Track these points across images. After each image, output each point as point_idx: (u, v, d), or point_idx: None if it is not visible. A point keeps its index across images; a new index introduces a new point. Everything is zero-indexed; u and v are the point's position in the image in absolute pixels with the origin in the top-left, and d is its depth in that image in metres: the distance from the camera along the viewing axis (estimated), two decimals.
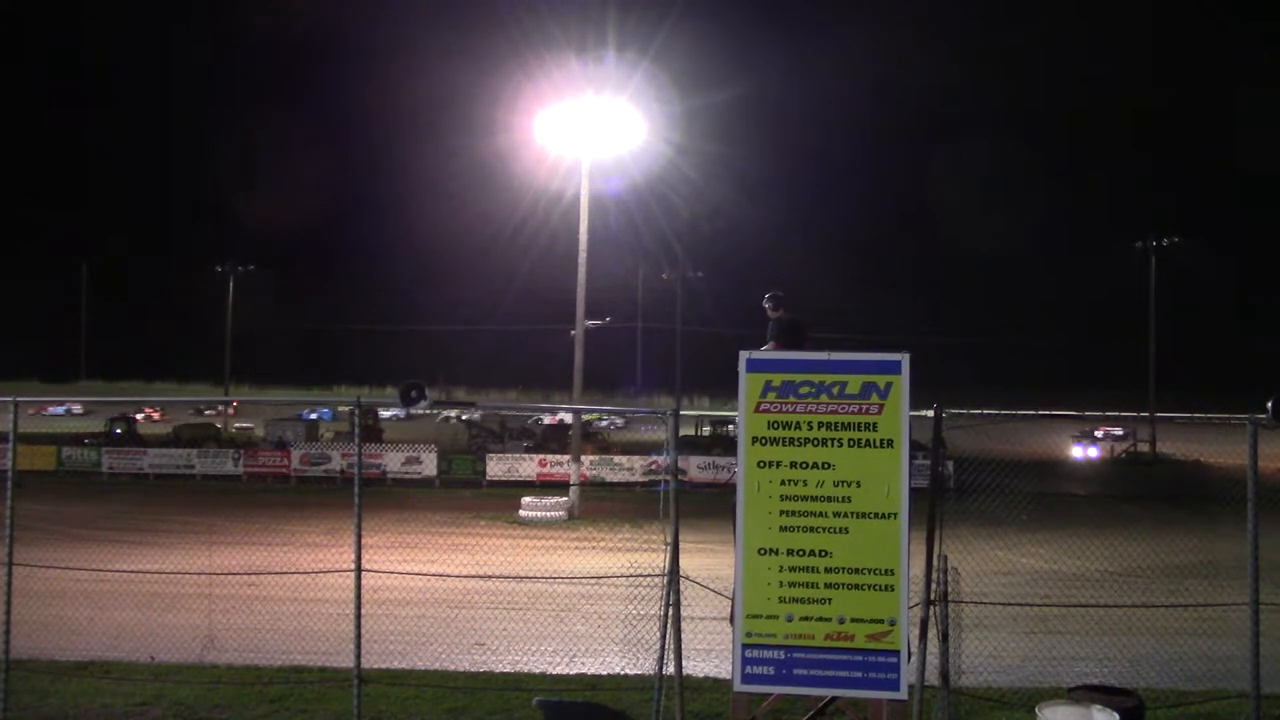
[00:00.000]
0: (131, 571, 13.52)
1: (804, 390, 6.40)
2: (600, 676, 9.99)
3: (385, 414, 64.68)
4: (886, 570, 6.27)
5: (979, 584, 8.60)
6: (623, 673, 9.90)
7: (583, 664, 10.58)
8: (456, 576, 13.76)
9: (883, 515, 6.28)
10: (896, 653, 6.25)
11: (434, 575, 13.11)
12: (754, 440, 6.43)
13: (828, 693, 6.62)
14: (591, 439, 43.66)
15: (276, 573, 13.80)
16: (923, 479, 8.17)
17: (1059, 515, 24.09)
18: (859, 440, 6.33)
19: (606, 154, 31.40)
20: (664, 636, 7.61)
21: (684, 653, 7.75)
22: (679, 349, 69.94)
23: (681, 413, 8.94)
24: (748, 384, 6.46)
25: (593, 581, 13.51)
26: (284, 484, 38.07)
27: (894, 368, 6.37)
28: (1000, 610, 10.42)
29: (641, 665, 9.20)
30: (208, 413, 76.15)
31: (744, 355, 6.55)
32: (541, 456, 40.05)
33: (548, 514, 27.25)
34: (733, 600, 6.48)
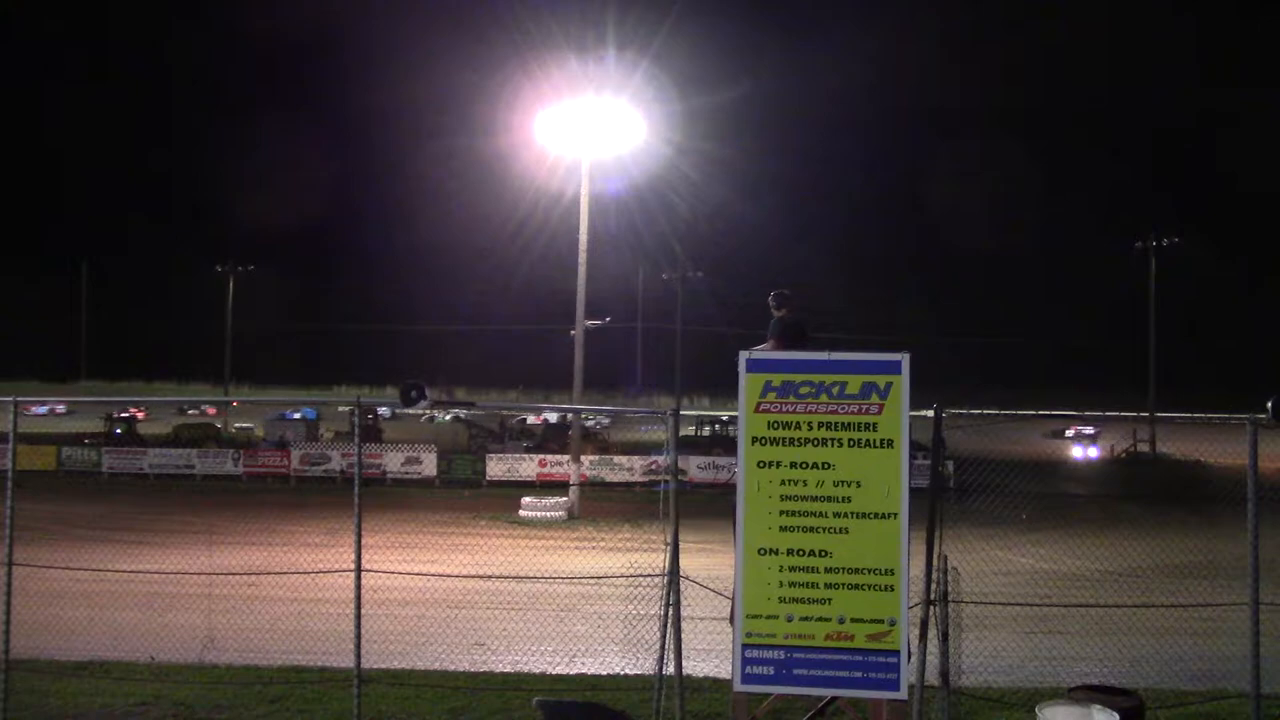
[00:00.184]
0: (131, 571, 13.54)
1: (804, 390, 6.40)
2: (600, 676, 9.99)
3: (384, 412, 64.66)
4: (886, 570, 6.26)
5: (979, 584, 8.61)
6: (623, 673, 9.90)
7: (583, 664, 10.59)
8: (456, 576, 13.76)
9: (883, 515, 6.27)
10: (896, 653, 6.24)
11: (434, 575, 13.11)
12: (754, 440, 6.42)
13: (828, 693, 6.62)
14: (592, 439, 43.68)
15: (276, 573, 13.80)
16: (923, 479, 8.16)
17: (1059, 515, 24.10)
18: (859, 440, 6.33)
19: (606, 154, 31.41)
20: (664, 636, 7.61)
21: (684, 653, 7.75)
22: (679, 349, 69.99)
23: (681, 412, 8.93)
24: (748, 384, 6.45)
25: (593, 581, 13.51)
26: (284, 484, 38.08)
27: (894, 368, 6.37)
28: (1000, 610, 10.42)
29: (641, 665, 9.20)
30: (190, 411, 76.22)
31: (744, 355, 6.54)
32: (541, 456, 40.06)
33: (548, 514, 27.25)
34: (733, 600, 6.47)
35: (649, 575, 8.20)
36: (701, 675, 9.57)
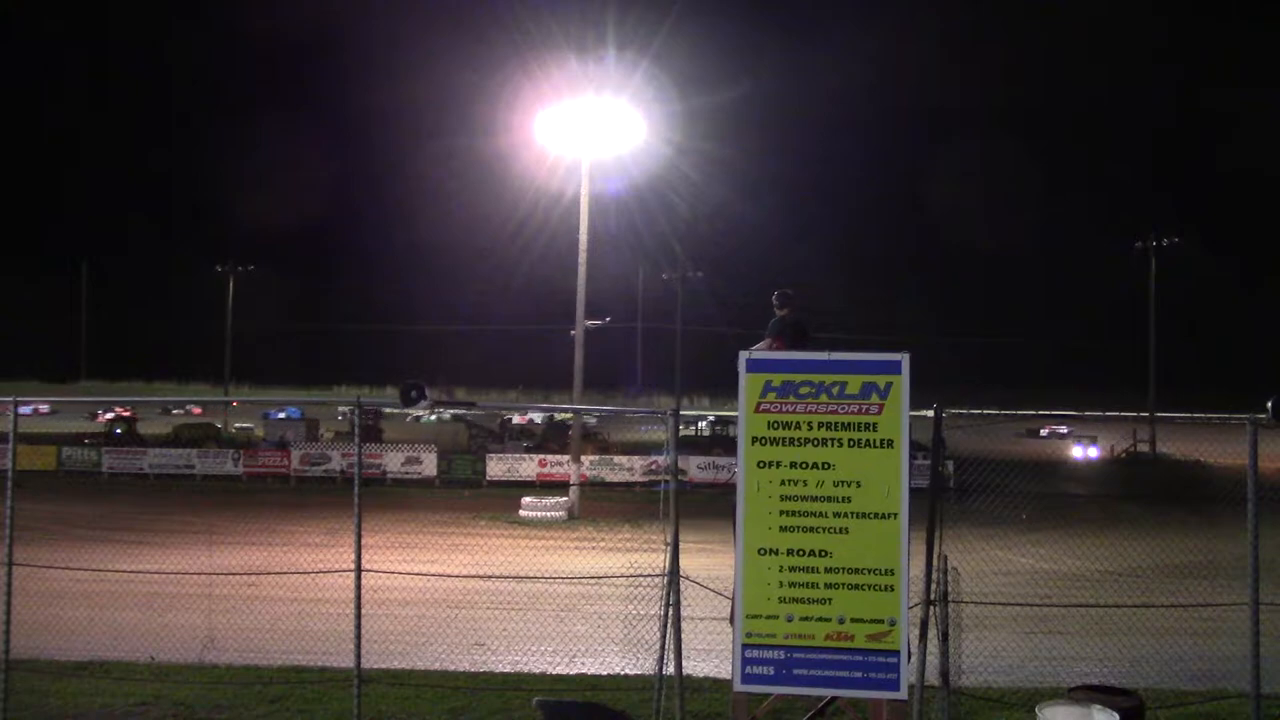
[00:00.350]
0: (131, 571, 13.54)
1: (804, 390, 6.40)
2: (600, 676, 9.99)
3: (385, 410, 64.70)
4: (886, 570, 6.26)
5: (979, 584, 8.61)
6: (623, 673, 9.90)
7: (583, 664, 10.58)
8: (456, 576, 13.77)
9: (883, 515, 6.27)
10: (896, 653, 6.24)
11: (434, 575, 13.11)
12: (754, 440, 6.42)
13: (828, 693, 6.62)
14: (592, 439, 43.67)
15: (276, 573, 13.80)
16: (923, 479, 8.16)
17: (1059, 515, 24.10)
18: (859, 440, 6.33)
19: (606, 154, 31.39)
20: (664, 636, 7.61)
21: (684, 653, 7.75)
22: (679, 349, 69.99)
23: (681, 412, 8.93)
24: (748, 384, 6.45)
25: (593, 581, 13.50)
26: (284, 484, 38.07)
27: (894, 368, 6.37)
28: (1000, 610, 10.42)
29: (641, 665, 9.20)
30: (175, 411, 76.25)
31: (744, 355, 6.54)
32: (541, 456, 40.05)
33: (548, 514, 27.25)
34: (733, 600, 6.47)
35: (649, 575, 8.20)
36: (701, 675, 9.57)
